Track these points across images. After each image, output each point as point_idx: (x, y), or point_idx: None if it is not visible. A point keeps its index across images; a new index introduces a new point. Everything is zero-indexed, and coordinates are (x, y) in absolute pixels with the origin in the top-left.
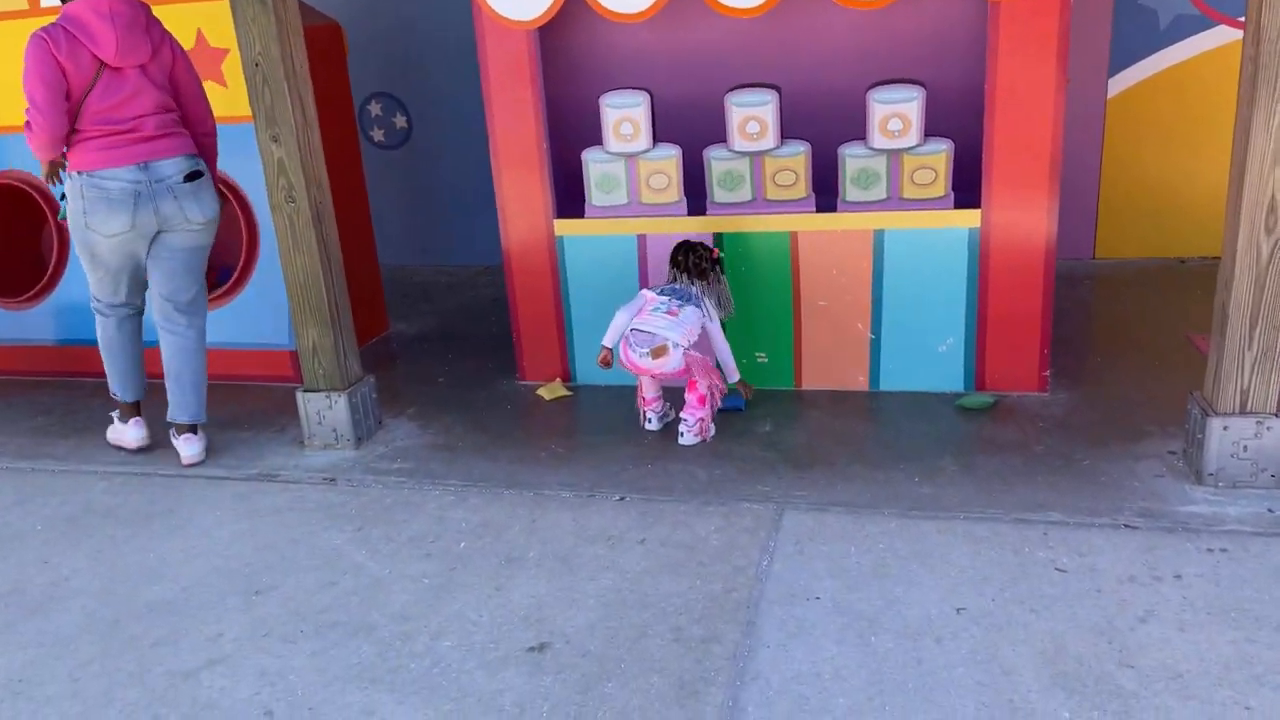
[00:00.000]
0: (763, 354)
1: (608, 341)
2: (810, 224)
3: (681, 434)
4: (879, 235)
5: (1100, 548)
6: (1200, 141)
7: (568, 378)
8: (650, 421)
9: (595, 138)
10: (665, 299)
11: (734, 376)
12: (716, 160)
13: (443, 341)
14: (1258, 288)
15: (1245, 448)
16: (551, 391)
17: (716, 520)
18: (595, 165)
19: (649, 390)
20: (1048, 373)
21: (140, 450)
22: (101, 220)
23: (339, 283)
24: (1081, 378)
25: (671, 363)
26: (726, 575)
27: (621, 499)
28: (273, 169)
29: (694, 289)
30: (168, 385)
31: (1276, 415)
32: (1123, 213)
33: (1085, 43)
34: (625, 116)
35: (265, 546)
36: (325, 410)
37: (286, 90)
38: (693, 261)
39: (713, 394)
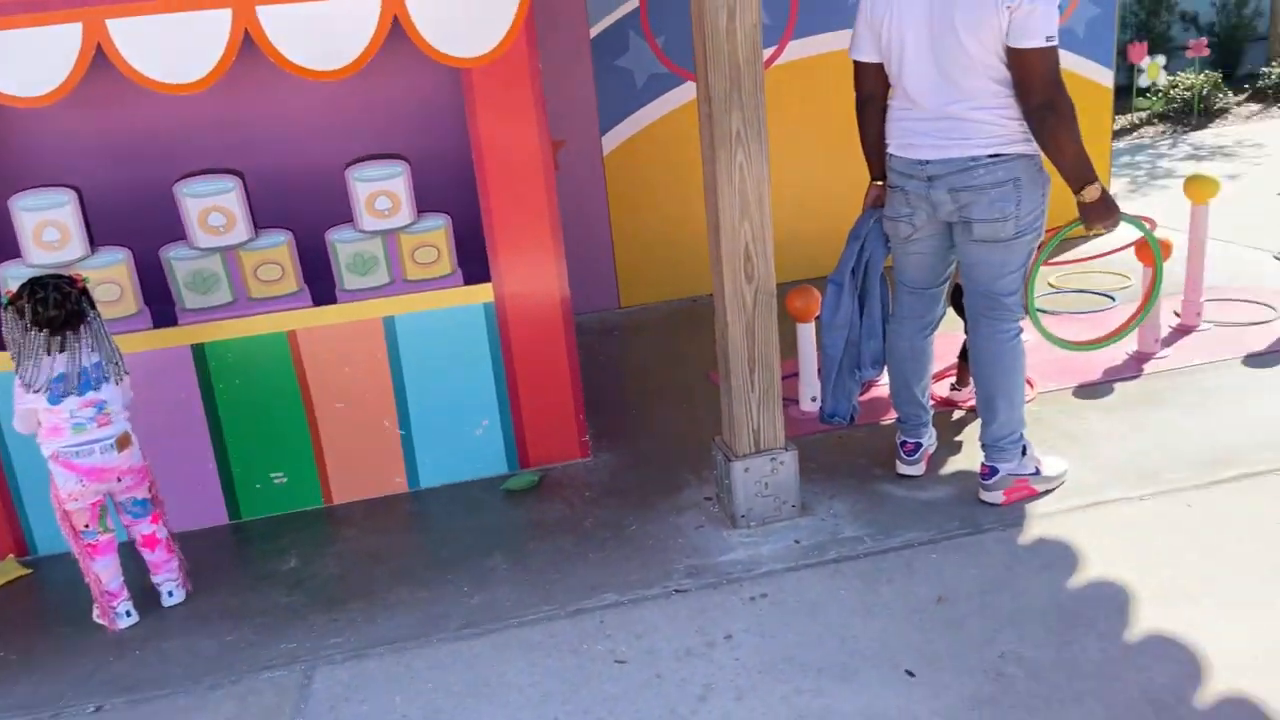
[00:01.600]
0: (279, 474)
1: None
2: (308, 320)
3: (170, 594)
4: (389, 322)
5: (656, 624)
6: (688, 190)
7: (24, 551)
8: (127, 616)
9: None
10: (69, 406)
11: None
12: (178, 260)
13: None
14: (749, 334)
15: (766, 485)
16: (2, 574)
17: (229, 708)
18: (14, 282)
19: (113, 580)
20: (588, 437)
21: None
22: None
23: None
24: (621, 435)
25: (137, 451)
26: None
27: (99, 709)
28: None
29: (78, 359)
30: None
31: (786, 449)
32: (637, 261)
33: (575, 104)
34: (47, 220)
35: None
36: None
37: None
38: (55, 309)
39: (170, 536)
